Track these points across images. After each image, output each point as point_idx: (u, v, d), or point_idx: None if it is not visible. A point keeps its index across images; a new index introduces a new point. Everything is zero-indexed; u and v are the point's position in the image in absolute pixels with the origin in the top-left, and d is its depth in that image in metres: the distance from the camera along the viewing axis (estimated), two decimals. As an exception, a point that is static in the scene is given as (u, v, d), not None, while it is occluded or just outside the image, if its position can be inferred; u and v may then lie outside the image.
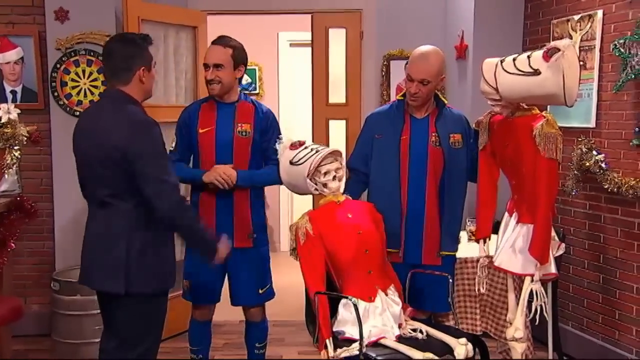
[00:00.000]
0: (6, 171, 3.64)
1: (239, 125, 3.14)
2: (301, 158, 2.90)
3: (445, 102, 3.18)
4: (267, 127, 3.21)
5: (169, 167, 2.53)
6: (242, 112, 3.17)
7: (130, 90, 2.56)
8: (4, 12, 4.20)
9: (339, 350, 2.72)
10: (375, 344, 2.73)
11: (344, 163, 3.00)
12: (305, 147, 2.94)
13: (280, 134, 3.19)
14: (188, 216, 2.59)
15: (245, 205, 3.18)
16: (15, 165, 3.66)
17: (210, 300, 3.28)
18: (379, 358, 2.64)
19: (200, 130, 3.13)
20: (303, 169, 2.88)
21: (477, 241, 3.08)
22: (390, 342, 2.73)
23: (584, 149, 3.66)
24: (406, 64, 3.09)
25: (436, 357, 2.62)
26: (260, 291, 3.29)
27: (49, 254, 4.28)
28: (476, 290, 3.10)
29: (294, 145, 2.96)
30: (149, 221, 2.50)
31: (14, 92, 4.26)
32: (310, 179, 2.91)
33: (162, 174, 2.46)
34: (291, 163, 2.92)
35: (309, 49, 4.90)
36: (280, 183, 3.08)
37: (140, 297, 2.52)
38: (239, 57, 3.14)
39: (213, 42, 3.18)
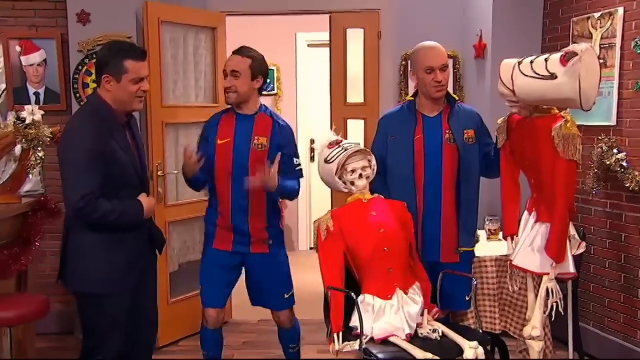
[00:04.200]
0: (30, 172, 3.70)
1: (256, 138, 3.15)
2: (333, 156, 2.97)
3: (456, 98, 3.19)
4: (284, 142, 3.19)
5: (81, 173, 2.56)
6: (260, 125, 3.18)
7: (102, 94, 2.70)
8: (27, 16, 4.29)
9: (342, 345, 2.78)
10: (385, 342, 2.76)
11: (373, 162, 3.03)
12: (339, 146, 3.00)
13: (297, 148, 3.27)
14: (97, 216, 2.60)
15: (261, 212, 3.21)
16: (39, 166, 3.73)
17: (215, 304, 3.27)
18: (379, 355, 2.68)
19: (219, 142, 3.16)
20: (333, 167, 2.95)
21: (505, 239, 3.08)
22: (399, 340, 2.75)
23: (604, 148, 3.64)
24: (410, 67, 3.12)
25: (437, 358, 2.63)
26: (286, 296, 3.32)
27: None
28: (510, 288, 3.10)
29: (331, 145, 3.02)
30: (85, 225, 2.64)
31: (37, 94, 4.34)
32: (339, 178, 2.96)
33: (70, 180, 2.59)
34: (325, 161, 3.00)
35: (327, 50, 4.93)
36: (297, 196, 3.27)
37: (80, 295, 2.76)
38: (258, 68, 3.15)
39: (233, 52, 3.20)
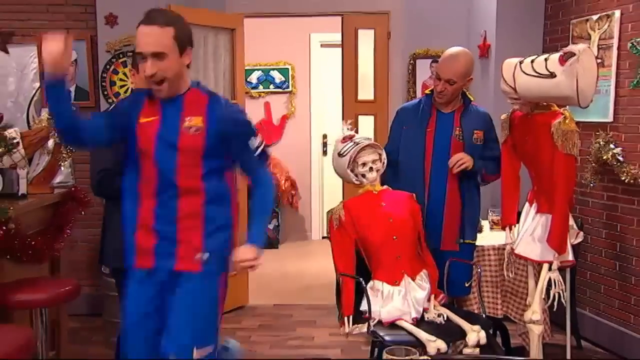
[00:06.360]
0: (62, 164, 3.90)
1: (187, 119, 2.30)
2: (345, 150, 3.09)
3: (472, 99, 3.30)
4: (230, 123, 2.33)
5: (97, 153, 2.86)
6: (191, 102, 2.33)
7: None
8: (60, 19, 4.50)
9: (352, 327, 2.94)
10: (392, 325, 2.90)
11: (383, 155, 3.14)
12: (352, 141, 3.11)
13: (255, 129, 2.42)
14: (114, 188, 2.75)
15: (197, 211, 2.32)
16: (69, 159, 3.94)
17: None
18: (385, 337, 2.79)
19: (142, 120, 2.34)
20: (345, 160, 3.08)
21: (503, 229, 3.20)
22: (405, 324, 2.87)
23: (601, 143, 3.74)
24: (432, 62, 3.24)
25: (440, 340, 2.72)
26: (195, 352, 2.25)
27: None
28: (505, 275, 3.21)
29: (345, 139, 3.13)
30: (118, 203, 2.79)
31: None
32: (351, 170, 3.10)
33: (90, 162, 2.93)
34: (339, 155, 3.12)
35: (339, 49, 5.08)
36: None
37: (117, 272, 2.91)
38: (185, 36, 2.27)
39: (143, 22, 2.23)
